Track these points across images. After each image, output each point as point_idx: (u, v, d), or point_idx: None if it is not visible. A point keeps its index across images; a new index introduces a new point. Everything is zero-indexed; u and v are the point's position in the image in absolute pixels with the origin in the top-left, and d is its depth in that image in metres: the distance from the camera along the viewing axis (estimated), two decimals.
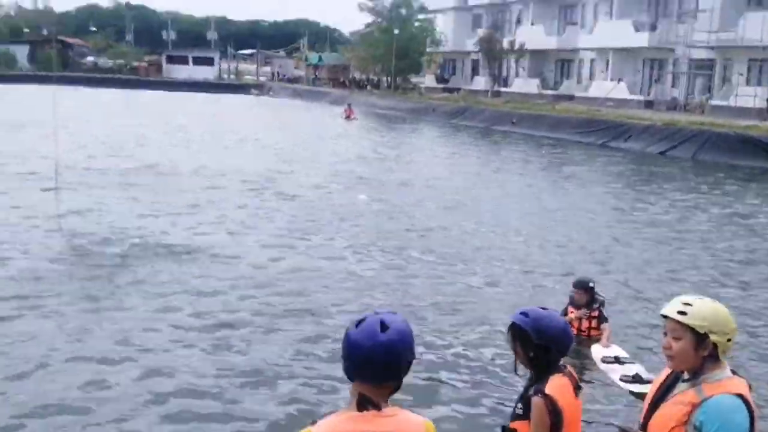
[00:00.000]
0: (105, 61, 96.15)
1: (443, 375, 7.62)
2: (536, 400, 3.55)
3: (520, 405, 3.66)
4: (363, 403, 2.59)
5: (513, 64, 61.02)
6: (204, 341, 8.30)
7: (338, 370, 7.23)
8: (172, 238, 13.11)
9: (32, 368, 7.32)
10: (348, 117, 46.42)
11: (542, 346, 3.58)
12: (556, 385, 3.58)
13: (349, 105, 49.32)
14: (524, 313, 3.67)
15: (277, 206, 16.95)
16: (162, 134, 32.60)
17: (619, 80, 47.76)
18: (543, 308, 3.76)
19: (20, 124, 32.43)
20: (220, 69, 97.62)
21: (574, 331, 7.63)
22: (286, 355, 8.03)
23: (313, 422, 2.64)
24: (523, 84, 58.29)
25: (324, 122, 44.90)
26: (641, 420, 3.44)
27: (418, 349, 3.11)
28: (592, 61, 53.00)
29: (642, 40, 46.17)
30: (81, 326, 8.56)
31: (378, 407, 2.59)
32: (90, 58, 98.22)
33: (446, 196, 19.38)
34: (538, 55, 57.97)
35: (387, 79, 73.43)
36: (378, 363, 2.57)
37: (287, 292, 10.34)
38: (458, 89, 63.89)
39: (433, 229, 15.15)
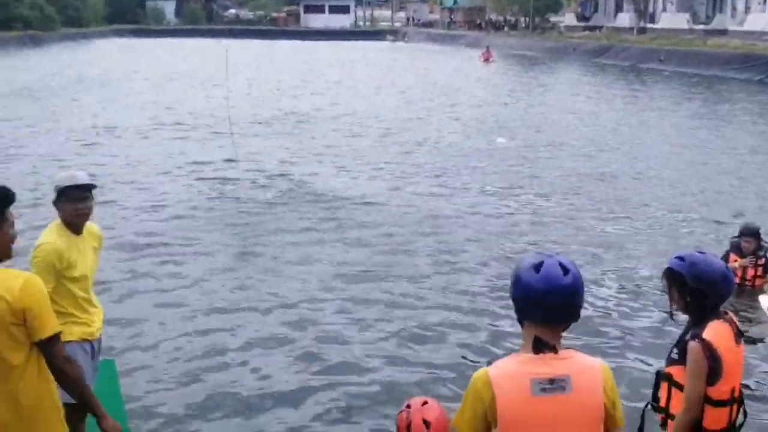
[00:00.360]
0: (246, 13, 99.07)
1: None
2: (693, 345, 3.41)
3: (675, 350, 3.53)
4: (539, 346, 2.55)
5: None
6: (344, 291, 8.34)
7: (494, 310, 7.37)
8: (316, 185, 13.41)
9: (183, 312, 7.66)
10: (486, 60, 45.60)
11: (698, 290, 3.43)
12: (715, 331, 3.43)
13: (488, 47, 48.46)
14: (680, 258, 3.53)
15: (415, 151, 16.94)
16: (302, 82, 33.27)
17: None
18: (700, 252, 3.58)
19: (173, 76, 34.09)
20: (355, 16, 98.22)
21: (737, 280, 7.20)
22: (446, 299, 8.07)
23: (489, 362, 2.61)
24: (672, 19, 54.89)
25: (461, 66, 44.31)
26: None
27: None
28: None
29: None
30: (231, 270, 8.89)
31: (555, 350, 2.56)
32: (232, 11, 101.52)
33: (590, 138, 18.76)
34: None
35: (524, 20, 71.38)
36: (561, 306, 2.53)
37: (429, 233, 10.38)
38: (600, 27, 61.12)
39: (575, 171, 14.70)
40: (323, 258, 9.34)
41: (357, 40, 78.45)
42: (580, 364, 2.59)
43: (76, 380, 3.21)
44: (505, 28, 74.29)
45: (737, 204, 12.25)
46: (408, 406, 3.86)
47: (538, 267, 2.55)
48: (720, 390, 3.45)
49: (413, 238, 10.26)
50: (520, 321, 2.64)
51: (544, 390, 2.51)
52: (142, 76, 35.30)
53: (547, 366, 2.54)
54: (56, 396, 3.22)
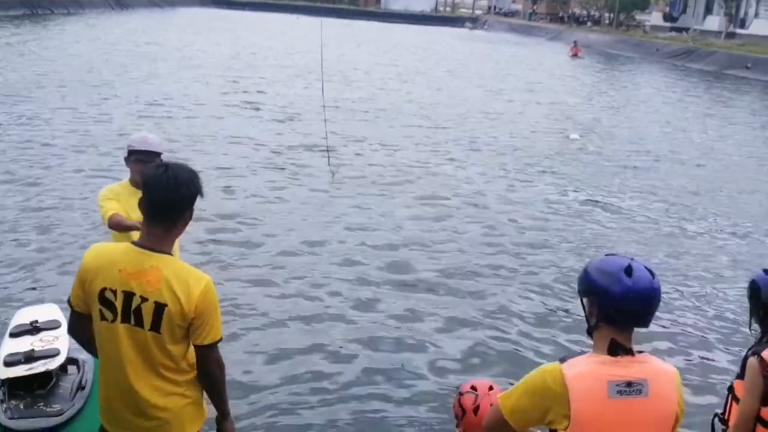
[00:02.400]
0: None
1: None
2: (751, 361, 3.36)
3: (741, 364, 3.48)
4: (615, 349, 2.53)
5: (753, 3, 55.47)
6: (391, 284, 8.50)
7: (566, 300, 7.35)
8: (384, 169, 13.52)
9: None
10: (575, 55, 44.87)
11: None
12: None
13: (575, 42, 47.71)
14: (766, 271, 3.49)
15: (494, 142, 16.85)
16: (379, 66, 33.22)
17: None
18: None
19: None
20: (437, 1, 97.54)
21: None
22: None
23: (562, 360, 2.59)
24: (764, 26, 52.85)
25: (546, 60, 43.45)
26: None
27: None
28: None
29: None
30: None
31: (632, 353, 2.54)
32: None
33: (669, 141, 18.37)
34: None
35: (609, 16, 69.78)
36: (647, 311, 2.53)
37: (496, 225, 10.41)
38: (687, 29, 59.28)
39: (647, 172, 14.48)
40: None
41: (436, 25, 77.95)
42: (657, 369, 2.58)
43: (221, 384, 3.14)
44: (588, 23, 72.76)
45: None
46: (473, 388, 3.81)
47: (629, 271, 2.52)
48: None
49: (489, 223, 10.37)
50: (596, 324, 2.59)
51: (620, 393, 2.48)
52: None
53: (624, 369, 2.52)
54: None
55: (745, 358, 3.44)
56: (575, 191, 12.75)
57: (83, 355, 4.58)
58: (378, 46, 42.99)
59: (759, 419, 3.38)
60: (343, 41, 45.08)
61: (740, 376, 3.48)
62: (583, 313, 2.68)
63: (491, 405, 3.71)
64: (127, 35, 37.25)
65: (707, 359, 6.90)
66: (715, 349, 7.13)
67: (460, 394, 3.76)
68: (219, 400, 3.18)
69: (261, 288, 7.72)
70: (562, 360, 2.58)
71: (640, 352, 2.58)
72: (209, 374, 3.09)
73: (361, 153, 14.64)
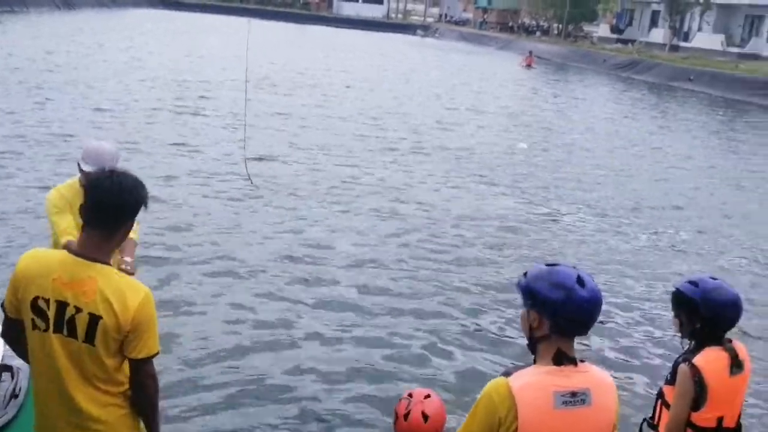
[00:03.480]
0: None
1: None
2: (682, 367, 3.43)
3: (671, 370, 3.55)
4: (560, 359, 2.55)
5: (697, 18, 57.04)
6: (358, 277, 8.51)
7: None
8: (324, 177, 13.43)
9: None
10: (528, 65, 45.42)
11: (710, 318, 3.42)
12: (708, 358, 3.41)
13: (530, 52, 48.25)
14: (693, 283, 3.50)
15: (440, 151, 16.93)
16: (328, 72, 33.19)
17: None
18: (713, 278, 3.53)
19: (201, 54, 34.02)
20: (389, 8, 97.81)
21: None
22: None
23: (506, 373, 2.58)
24: (706, 39, 54.42)
25: (497, 69, 43.86)
26: None
27: None
28: None
29: None
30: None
31: (575, 362, 2.56)
32: None
33: (607, 153, 18.77)
34: (726, 9, 53.95)
35: (558, 26, 70.93)
36: (593, 319, 2.55)
37: (448, 234, 10.45)
38: (633, 41, 60.65)
39: (584, 182, 14.71)
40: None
41: (387, 31, 78.10)
42: (599, 379, 2.61)
43: (153, 400, 3.05)
44: (537, 33, 73.83)
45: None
46: (410, 395, 3.85)
47: (581, 282, 2.53)
48: (704, 417, 3.45)
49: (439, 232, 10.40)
50: (545, 335, 2.57)
51: (565, 403, 2.50)
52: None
53: (568, 378, 2.53)
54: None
55: (676, 364, 3.50)
56: (525, 202, 12.86)
57: (17, 362, 4.45)
58: (328, 52, 42.87)
59: (689, 424, 3.47)
60: (292, 46, 44.90)
61: (670, 381, 3.54)
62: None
63: (422, 413, 3.77)
64: (70, 35, 36.40)
65: (634, 365, 7.00)
66: (641, 355, 7.25)
67: (402, 400, 3.83)
68: (151, 418, 3.07)
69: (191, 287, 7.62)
70: (507, 374, 2.58)
71: (582, 361, 2.61)
72: (142, 389, 2.99)
73: (300, 162, 14.23)
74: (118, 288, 2.84)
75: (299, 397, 5.82)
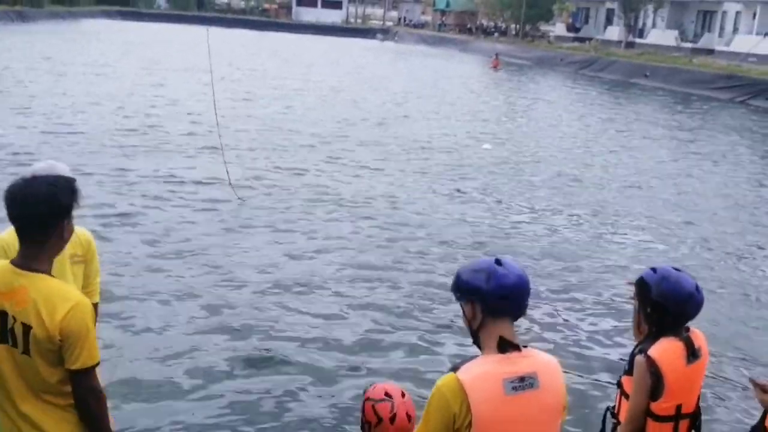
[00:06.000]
0: (238, 2, 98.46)
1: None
2: (638, 359, 3.44)
3: (628, 361, 3.56)
4: (504, 346, 2.60)
5: (651, 14, 58.00)
6: (347, 282, 8.49)
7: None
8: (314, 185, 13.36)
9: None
10: (495, 67, 45.96)
11: (660, 304, 3.43)
12: (663, 348, 3.42)
13: (497, 55, 48.79)
14: (653, 269, 3.54)
15: (407, 153, 16.99)
16: (288, 80, 33.08)
17: (766, 34, 44.51)
18: (676, 269, 3.55)
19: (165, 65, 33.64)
20: (347, 13, 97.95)
21: None
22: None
23: (454, 368, 2.60)
24: (660, 36, 55.35)
25: (459, 71, 44.07)
26: None
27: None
28: (737, 13, 49.71)
29: None
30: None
31: (518, 348, 2.62)
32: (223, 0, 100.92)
33: (573, 152, 18.99)
34: (679, 5, 54.91)
35: (515, 27, 71.60)
36: (525, 297, 2.63)
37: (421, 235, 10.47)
38: (590, 39, 61.44)
39: (544, 180, 14.87)
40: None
41: (347, 36, 78.26)
42: (543, 362, 2.68)
43: (98, 414, 2.90)
44: (496, 34, 74.45)
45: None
46: (387, 395, 3.65)
47: (499, 263, 2.63)
48: (662, 406, 3.46)
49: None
50: (481, 323, 2.64)
51: (515, 389, 2.55)
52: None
53: (515, 365, 2.59)
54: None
55: (632, 356, 3.52)
56: (495, 202, 12.90)
57: None
58: (287, 59, 42.78)
59: (648, 413, 3.48)
60: (252, 54, 44.73)
61: (628, 372, 3.55)
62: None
63: (407, 414, 3.67)
64: (23, 47, 35.82)
65: (597, 354, 7.09)
66: (606, 344, 7.34)
67: (373, 400, 3.60)
68: None
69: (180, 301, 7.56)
70: (455, 368, 2.60)
71: (525, 346, 2.66)
72: (84, 402, 2.86)
73: (272, 170, 14.17)
74: (48, 296, 2.78)
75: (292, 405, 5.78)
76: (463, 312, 2.70)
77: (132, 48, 41.41)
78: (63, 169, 3.61)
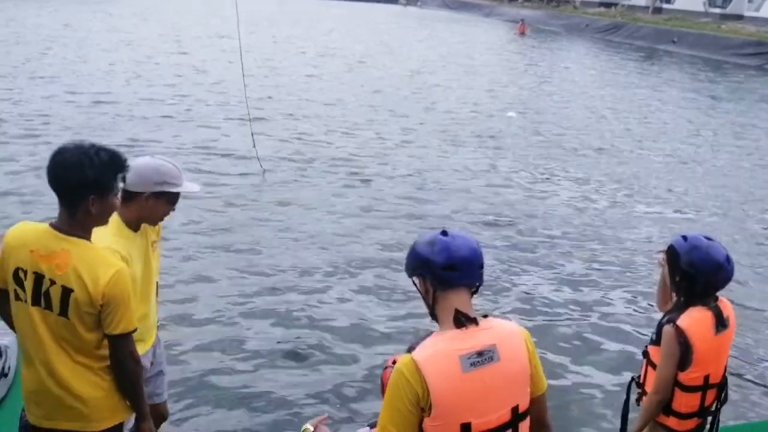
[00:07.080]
0: None
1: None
2: (666, 329, 3.41)
3: (656, 331, 3.53)
4: (460, 320, 2.49)
5: None
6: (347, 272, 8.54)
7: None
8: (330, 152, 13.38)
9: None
10: (521, 33, 45.41)
11: (688, 273, 3.40)
12: (692, 318, 3.39)
13: (523, 21, 48.24)
14: (684, 237, 3.50)
15: (430, 120, 16.91)
16: (314, 47, 32.84)
17: None
18: (707, 238, 3.49)
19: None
20: None
21: None
22: None
23: (410, 349, 2.52)
24: (688, 1, 54.22)
25: (484, 37, 43.61)
26: None
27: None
28: None
29: None
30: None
31: (475, 321, 2.50)
32: None
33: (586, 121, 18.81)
34: None
35: None
36: (468, 261, 2.49)
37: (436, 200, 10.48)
38: (616, 4, 60.37)
39: (575, 150, 14.75)
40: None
41: (370, 1, 77.29)
42: (503, 331, 2.54)
43: (135, 378, 3.02)
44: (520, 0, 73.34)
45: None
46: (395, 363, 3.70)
47: (444, 233, 2.55)
48: (690, 376, 3.46)
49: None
50: (434, 295, 2.54)
51: (473, 365, 2.42)
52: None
53: (473, 339, 2.45)
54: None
55: (660, 325, 3.50)
56: (520, 170, 12.86)
57: (5, 341, 4.45)
58: (311, 25, 42.48)
59: (676, 383, 3.48)
60: (275, 20, 44.43)
61: (655, 342, 3.54)
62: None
63: None
64: (41, 15, 35.74)
65: (617, 324, 7.07)
66: (626, 313, 7.34)
67: (387, 369, 3.69)
68: (133, 396, 3.06)
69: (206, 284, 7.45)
70: (411, 349, 2.52)
71: (485, 316, 2.55)
72: (122, 366, 2.97)
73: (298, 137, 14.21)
74: (91, 262, 2.83)
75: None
76: (418, 290, 2.60)
77: (151, 14, 41.30)
78: (163, 166, 3.33)
